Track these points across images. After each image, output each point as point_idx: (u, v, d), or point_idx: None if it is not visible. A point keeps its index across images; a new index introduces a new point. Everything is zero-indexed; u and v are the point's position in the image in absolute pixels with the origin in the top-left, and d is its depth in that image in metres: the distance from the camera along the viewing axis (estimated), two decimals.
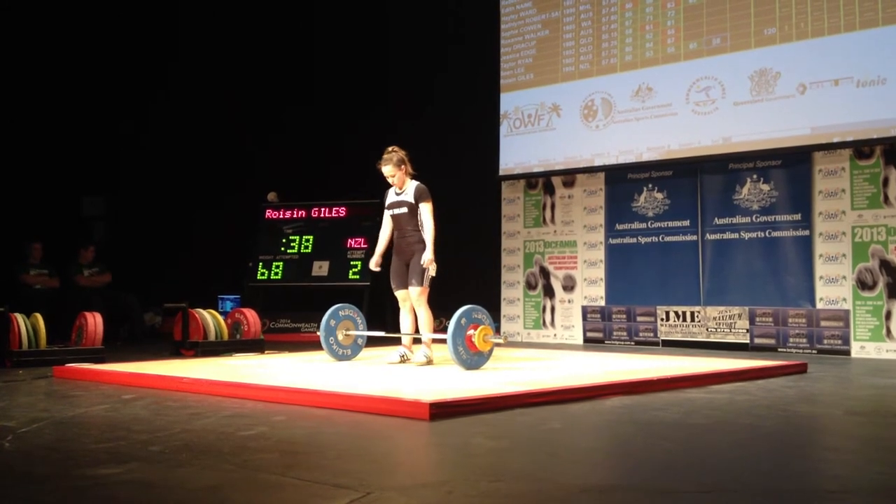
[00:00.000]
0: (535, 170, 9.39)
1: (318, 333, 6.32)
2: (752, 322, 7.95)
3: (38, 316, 6.67)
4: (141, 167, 11.02)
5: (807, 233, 7.70)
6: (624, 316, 8.77)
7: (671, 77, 8.44)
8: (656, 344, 8.48)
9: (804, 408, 4.37)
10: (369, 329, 6.66)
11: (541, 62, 9.40)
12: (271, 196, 10.54)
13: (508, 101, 9.62)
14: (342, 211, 10.17)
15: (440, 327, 7.45)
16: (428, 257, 5.80)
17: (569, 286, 9.19)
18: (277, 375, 5.27)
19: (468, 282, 9.16)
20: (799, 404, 4.46)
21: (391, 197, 6.09)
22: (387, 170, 5.96)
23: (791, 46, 7.77)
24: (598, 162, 8.94)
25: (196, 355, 6.92)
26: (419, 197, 5.92)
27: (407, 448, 3.50)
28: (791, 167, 7.85)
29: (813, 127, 7.63)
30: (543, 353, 7.14)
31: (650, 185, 8.70)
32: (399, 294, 6.06)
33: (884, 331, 7.27)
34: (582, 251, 9.12)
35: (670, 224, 8.54)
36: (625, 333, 8.75)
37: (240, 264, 10.22)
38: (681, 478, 2.84)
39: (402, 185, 6.00)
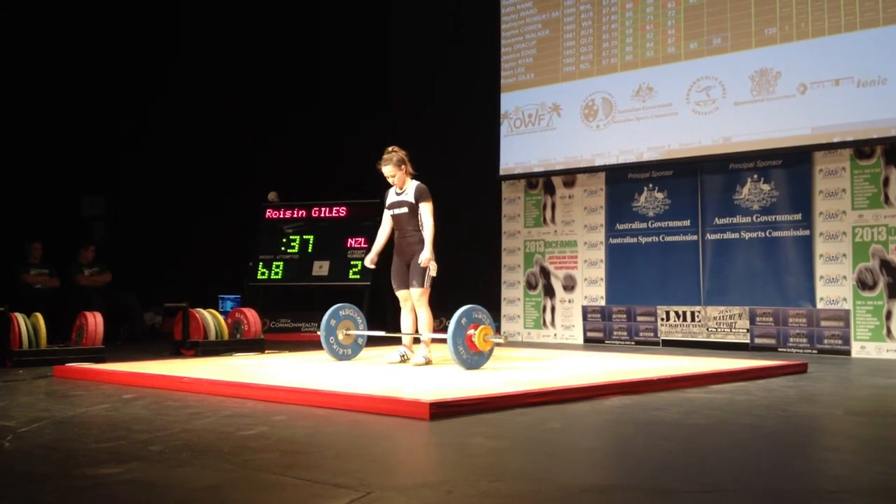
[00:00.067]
0: (536, 170, 9.39)
1: (319, 333, 6.32)
2: (752, 322, 7.95)
3: (39, 315, 6.67)
4: (141, 167, 11.02)
5: (807, 233, 7.70)
6: (624, 316, 8.77)
7: (672, 77, 8.44)
8: (656, 344, 8.48)
9: (804, 408, 4.37)
10: (369, 329, 6.66)
11: (541, 62, 9.40)
12: (271, 196, 10.55)
13: (509, 101, 9.62)
14: (342, 211, 10.17)
15: (440, 327, 7.45)
16: (426, 256, 5.80)
17: (569, 286, 9.19)
18: (277, 375, 5.27)
19: (468, 282, 9.15)
20: (799, 404, 4.46)
21: (391, 197, 6.09)
22: (387, 170, 5.97)
23: (791, 46, 7.77)
24: (598, 162, 8.94)
25: (196, 355, 6.92)
26: (419, 197, 5.92)
27: (407, 448, 3.50)
28: (791, 167, 7.85)
29: (813, 127, 7.63)
30: (543, 352, 7.14)
31: (650, 185, 8.70)
32: (400, 294, 6.06)
33: (884, 331, 7.26)
34: (582, 251, 9.12)
35: (671, 224, 8.54)
36: (625, 333, 8.75)
37: (240, 264, 10.22)
38: (681, 478, 2.84)
39: (402, 185, 6.00)
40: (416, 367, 5.75)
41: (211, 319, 7.31)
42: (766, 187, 7.97)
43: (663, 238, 8.59)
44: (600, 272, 8.98)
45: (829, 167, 7.65)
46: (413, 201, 5.93)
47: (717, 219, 8.23)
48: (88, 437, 3.49)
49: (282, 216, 10.37)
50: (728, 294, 8.11)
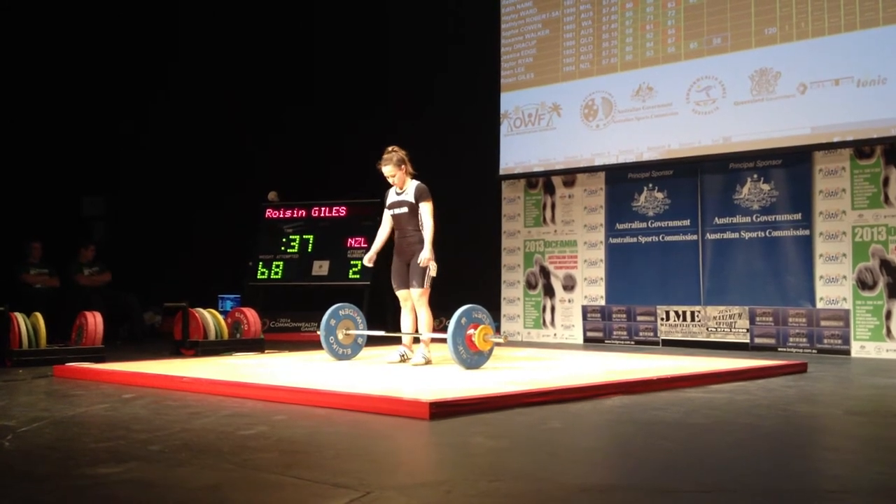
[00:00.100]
0: (536, 169, 9.39)
1: (318, 333, 6.32)
2: (752, 322, 7.95)
3: (39, 315, 6.67)
4: (141, 167, 11.02)
5: (807, 232, 7.70)
6: (624, 315, 8.77)
7: (671, 77, 8.44)
8: (656, 343, 8.48)
9: (804, 407, 4.37)
10: (369, 328, 6.66)
11: (541, 62, 9.40)
12: (271, 195, 10.55)
13: (508, 101, 9.62)
14: (342, 210, 10.17)
15: (440, 327, 7.45)
16: (425, 256, 5.80)
17: (569, 286, 9.19)
18: (277, 375, 5.27)
19: (468, 281, 9.15)
20: (799, 404, 4.46)
21: (392, 197, 6.09)
22: (387, 170, 5.96)
23: (791, 46, 7.77)
24: (598, 161, 8.94)
25: (196, 355, 6.92)
26: (419, 196, 5.92)
27: (407, 447, 3.50)
28: (791, 167, 7.85)
29: (813, 127, 7.63)
30: (543, 352, 7.14)
31: (650, 185, 8.70)
32: (400, 294, 6.06)
33: (884, 330, 7.26)
34: (582, 251, 9.12)
35: (670, 224, 8.54)
36: (625, 333, 8.75)
37: (240, 264, 10.22)
38: (681, 478, 2.84)
39: (402, 185, 6.00)
40: (415, 366, 5.75)
41: (211, 319, 7.31)
42: (765, 187, 7.97)
43: (663, 238, 8.59)
44: (600, 272, 8.98)
45: (829, 167, 7.65)
46: (413, 201, 5.93)
47: (716, 218, 8.23)
48: (88, 437, 3.49)
49: (282, 216, 10.37)
50: (728, 294, 8.11)
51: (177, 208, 10.82)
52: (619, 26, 8.86)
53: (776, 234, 7.88)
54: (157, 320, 10.28)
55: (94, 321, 6.79)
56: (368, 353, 6.69)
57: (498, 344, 5.67)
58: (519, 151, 9.50)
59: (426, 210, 5.89)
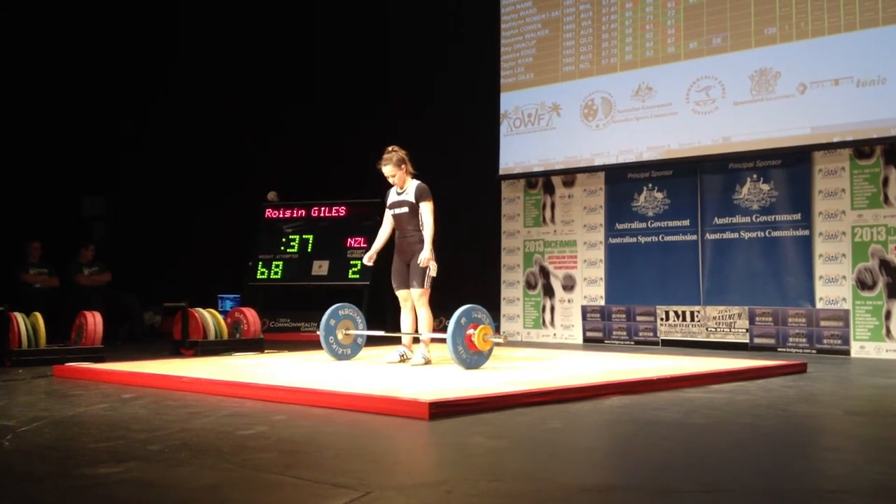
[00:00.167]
0: (535, 169, 9.39)
1: (318, 333, 6.32)
2: (751, 322, 7.95)
3: (38, 315, 6.67)
4: (141, 167, 11.02)
5: (807, 232, 7.70)
6: (624, 315, 8.77)
7: (671, 76, 8.44)
8: (656, 344, 8.48)
9: (804, 408, 4.37)
10: (369, 328, 6.65)
11: (541, 62, 9.40)
12: (271, 195, 10.54)
13: (508, 101, 9.62)
14: (342, 210, 10.17)
15: (440, 327, 7.44)
16: (425, 256, 5.80)
17: (568, 286, 9.19)
18: (277, 375, 5.27)
19: (468, 281, 9.16)
20: (799, 404, 4.46)
21: (392, 196, 6.09)
22: (387, 170, 5.96)
23: (791, 46, 7.77)
24: (598, 161, 8.94)
25: (196, 354, 6.92)
26: (420, 196, 5.92)
27: (406, 447, 3.50)
28: (791, 167, 7.85)
29: (813, 127, 7.63)
30: (543, 352, 7.14)
31: (650, 185, 8.70)
32: (400, 294, 6.06)
33: (883, 331, 7.26)
34: (582, 251, 9.12)
35: (670, 224, 8.54)
36: (624, 333, 8.75)
37: (240, 264, 10.22)
38: (681, 478, 2.84)
39: (402, 185, 6.00)
40: (415, 366, 5.75)
41: (210, 319, 7.31)
42: (765, 187, 7.97)
43: (663, 238, 8.58)
44: (600, 272, 8.98)
45: (829, 167, 7.65)
46: (413, 201, 5.92)
47: (716, 218, 8.23)
48: (88, 437, 3.49)
49: (281, 216, 10.37)
50: (727, 294, 8.11)
51: (177, 208, 10.82)
52: (619, 26, 8.86)
53: (776, 234, 7.88)
54: (157, 320, 10.28)
55: (94, 321, 6.79)
56: (368, 353, 6.69)
57: (497, 344, 5.67)
58: (519, 151, 9.50)
59: (426, 210, 5.89)
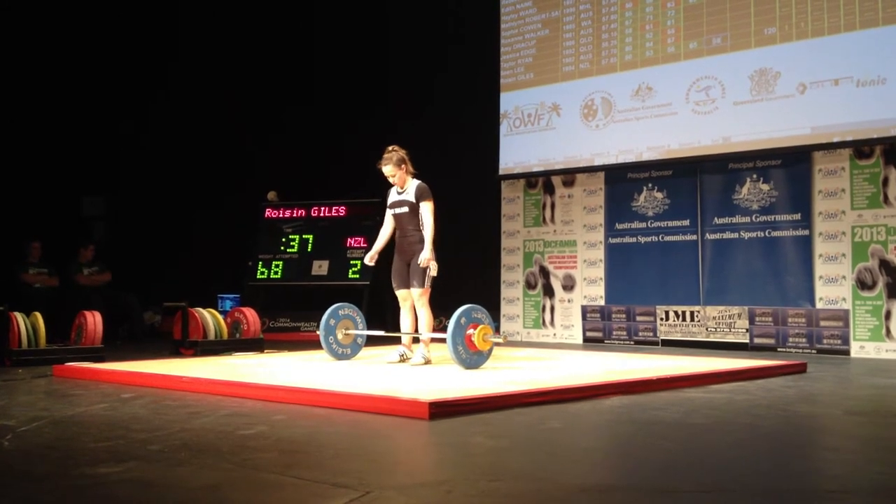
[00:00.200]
0: (535, 169, 9.39)
1: (318, 332, 6.32)
2: (751, 322, 7.95)
3: (38, 315, 6.67)
4: (141, 167, 11.02)
5: (806, 232, 7.70)
6: (623, 315, 8.77)
7: (671, 76, 8.44)
8: (656, 343, 8.48)
9: (804, 407, 4.37)
10: (369, 328, 6.65)
11: (541, 62, 9.40)
12: (271, 195, 10.54)
13: (508, 101, 9.62)
14: (342, 210, 10.17)
15: (440, 327, 7.44)
16: (426, 256, 5.80)
17: (568, 286, 9.19)
18: (277, 374, 5.27)
19: (468, 281, 9.16)
20: (798, 404, 4.46)
21: (393, 196, 6.08)
22: (387, 169, 5.96)
23: (791, 46, 7.77)
24: (597, 161, 8.94)
25: (195, 354, 6.92)
26: (420, 196, 5.91)
27: (406, 447, 3.50)
28: (791, 167, 7.85)
29: (813, 127, 7.63)
30: (543, 352, 7.14)
31: (650, 185, 8.70)
32: (399, 293, 6.06)
33: (883, 331, 7.26)
34: (581, 251, 9.12)
35: (670, 224, 8.54)
36: (624, 333, 8.75)
37: (239, 264, 10.22)
38: (681, 478, 2.84)
39: (403, 185, 6.00)
40: (415, 366, 5.75)
41: (210, 319, 7.31)
42: (765, 187, 7.97)
43: (662, 238, 8.59)
44: (599, 272, 8.98)
45: (829, 167, 7.65)
46: (414, 200, 5.92)
47: (716, 218, 8.23)
48: (87, 437, 3.49)
49: (281, 216, 10.37)
50: (727, 294, 8.11)
51: (177, 208, 10.82)
52: (619, 26, 8.86)
53: (776, 234, 7.88)
54: (157, 320, 10.28)
55: (94, 321, 6.79)
56: (368, 352, 6.69)
57: (497, 344, 5.67)
58: (518, 151, 9.50)
59: (427, 209, 5.89)
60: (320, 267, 9.87)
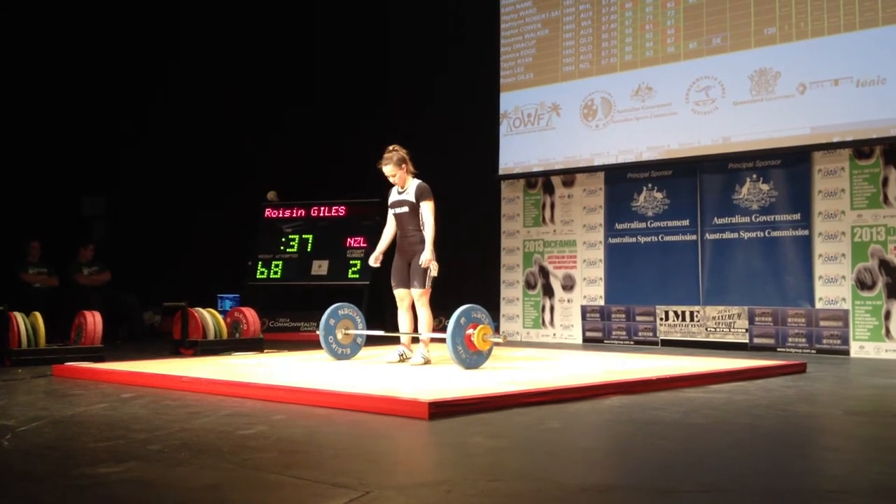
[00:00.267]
0: (535, 169, 9.39)
1: (318, 332, 6.32)
2: (751, 322, 7.95)
3: (38, 314, 6.67)
4: (141, 167, 11.03)
5: (806, 233, 7.70)
6: (623, 315, 8.77)
7: (671, 77, 8.44)
8: (655, 343, 8.48)
9: (803, 407, 4.37)
10: (368, 328, 6.66)
11: (541, 62, 9.40)
12: (271, 195, 10.55)
13: (508, 101, 9.62)
14: (342, 210, 10.17)
15: (440, 327, 7.44)
16: (426, 257, 5.79)
17: (568, 286, 9.19)
18: (276, 374, 5.27)
19: (468, 281, 9.16)
20: (798, 404, 4.46)
21: (393, 196, 6.08)
22: (387, 169, 5.95)
23: (791, 46, 7.77)
24: (597, 161, 8.94)
25: (195, 354, 6.92)
26: (420, 196, 5.91)
27: (406, 447, 3.50)
28: (791, 167, 7.85)
29: (813, 127, 7.63)
30: (543, 352, 7.14)
31: (650, 185, 8.70)
32: (398, 293, 6.05)
33: (883, 331, 7.26)
34: (581, 251, 9.12)
35: (670, 224, 8.54)
36: (624, 333, 8.75)
37: (239, 263, 10.22)
38: (680, 478, 2.84)
39: (403, 185, 5.99)
40: (414, 366, 5.75)
41: (210, 319, 7.31)
42: (765, 187, 7.97)
43: (662, 238, 8.59)
44: (599, 272, 8.98)
45: (829, 167, 7.65)
46: (414, 200, 5.91)
47: (716, 218, 8.23)
48: (87, 437, 3.49)
49: (281, 216, 10.37)
50: (727, 294, 8.11)
51: (177, 208, 10.82)
52: (619, 26, 8.86)
53: (775, 234, 7.88)
54: (157, 320, 10.28)
55: (94, 321, 6.79)
56: (367, 352, 6.69)
57: (497, 344, 5.67)
58: (518, 151, 9.50)
59: (427, 209, 5.88)
60: (320, 267, 9.87)
